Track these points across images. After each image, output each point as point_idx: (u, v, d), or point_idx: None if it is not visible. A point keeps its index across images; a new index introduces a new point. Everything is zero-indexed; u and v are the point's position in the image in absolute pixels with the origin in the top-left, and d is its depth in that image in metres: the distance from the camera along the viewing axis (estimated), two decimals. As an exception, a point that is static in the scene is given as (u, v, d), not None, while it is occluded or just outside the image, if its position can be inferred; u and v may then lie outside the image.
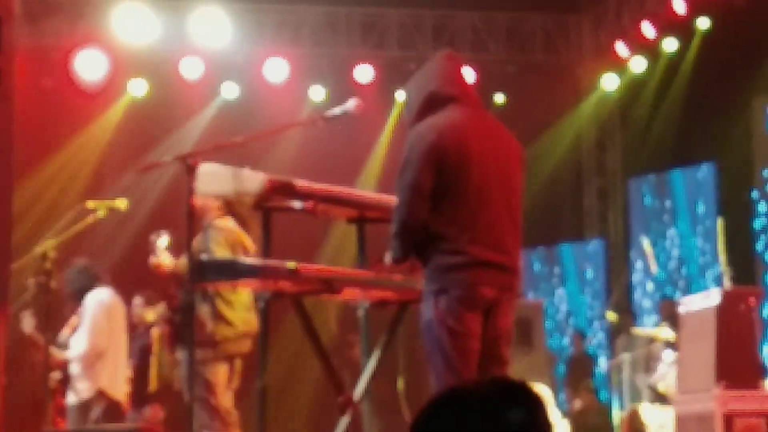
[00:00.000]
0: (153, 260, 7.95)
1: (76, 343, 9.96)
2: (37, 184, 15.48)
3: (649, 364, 12.51)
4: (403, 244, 5.62)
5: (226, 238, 7.70)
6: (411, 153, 5.60)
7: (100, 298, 10.00)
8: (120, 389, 10.09)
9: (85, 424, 9.77)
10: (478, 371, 5.59)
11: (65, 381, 10.03)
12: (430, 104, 5.71)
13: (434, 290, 5.58)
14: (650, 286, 16.77)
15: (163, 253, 7.95)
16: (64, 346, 10.08)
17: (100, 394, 9.88)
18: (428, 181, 5.54)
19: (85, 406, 9.85)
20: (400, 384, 6.74)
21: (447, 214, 5.55)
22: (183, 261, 7.76)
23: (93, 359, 9.86)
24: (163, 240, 7.87)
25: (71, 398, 9.91)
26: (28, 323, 10.16)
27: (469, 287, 5.54)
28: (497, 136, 5.82)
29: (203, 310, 7.72)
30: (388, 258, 5.74)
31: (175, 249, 7.99)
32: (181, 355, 8.19)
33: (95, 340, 9.84)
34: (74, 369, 9.91)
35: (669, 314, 12.60)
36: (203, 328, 7.69)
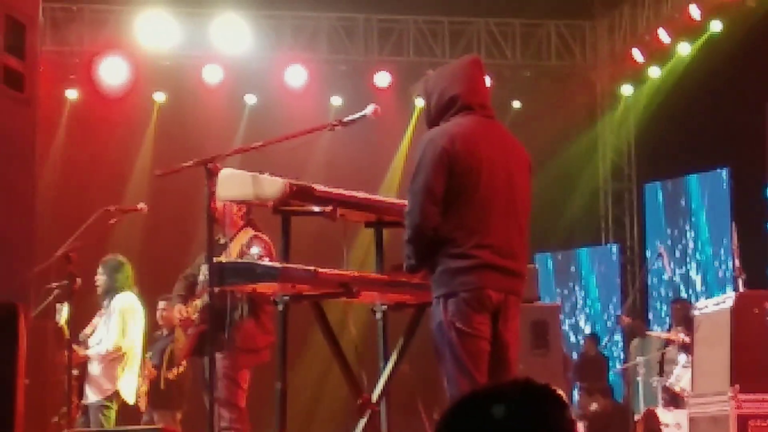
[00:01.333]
0: (176, 319, 8.13)
1: (98, 341, 10.11)
2: (61, 188, 15.61)
3: (663, 366, 12.56)
4: (417, 249, 5.70)
5: (270, 252, 7.81)
6: (423, 158, 5.69)
7: (130, 301, 10.17)
8: (133, 393, 10.24)
9: (102, 425, 9.91)
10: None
11: (82, 379, 10.16)
12: (449, 107, 5.83)
13: (443, 294, 5.67)
14: (665, 290, 16.82)
15: (178, 310, 8.17)
16: (84, 344, 10.22)
17: (117, 395, 10.04)
18: (440, 185, 5.63)
19: (103, 406, 9.99)
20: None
21: (455, 219, 5.64)
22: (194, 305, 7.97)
23: (113, 360, 10.02)
24: (162, 303, 7.97)
25: (91, 397, 10.04)
26: (63, 315, 10.30)
27: (477, 289, 5.63)
28: (506, 145, 5.93)
29: (250, 319, 7.81)
30: (405, 266, 5.83)
31: (194, 253, 8.10)
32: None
33: (119, 342, 10.01)
34: (95, 368, 10.06)
35: (682, 316, 12.67)
36: (250, 336, 7.79)
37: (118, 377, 10.07)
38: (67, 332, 9.67)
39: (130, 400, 10.22)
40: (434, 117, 5.89)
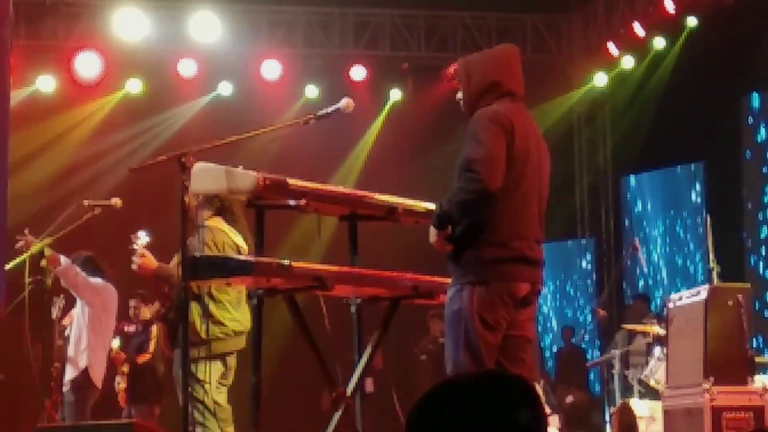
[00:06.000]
0: (136, 261, 7.97)
1: (77, 332, 10.19)
2: (34, 182, 15.56)
3: (637, 359, 12.61)
4: (468, 213, 5.63)
5: (214, 238, 7.74)
6: (486, 130, 5.67)
7: (97, 288, 10.22)
8: (101, 376, 10.28)
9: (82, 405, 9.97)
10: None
11: (62, 373, 10.21)
12: (491, 91, 5.87)
13: (470, 281, 5.67)
14: (640, 283, 16.88)
15: (145, 253, 7.98)
16: (63, 336, 10.27)
17: (87, 375, 10.11)
18: (503, 152, 5.63)
19: (80, 384, 10.05)
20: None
21: (498, 206, 5.65)
22: (172, 263, 7.86)
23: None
24: (142, 239, 7.90)
25: (69, 374, 10.09)
26: (55, 310, 10.35)
27: (509, 282, 5.68)
28: (539, 136, 6.01)
29: (193, 310, 7.76)
30: (432, 231, 5.77)
31: (168, 248, 8.06)
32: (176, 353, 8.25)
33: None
34: (71, 350, 10.14)
35: (639, 312, 12.79)
36: (193, 327, 7.74)
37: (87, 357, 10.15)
38: (59, 327, 9.75)
39: (98, 382, 10.24)
40: (474, 99, 5.91)
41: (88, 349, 10.13)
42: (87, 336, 10.12)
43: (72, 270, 9.92)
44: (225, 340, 7.78)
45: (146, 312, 12.21)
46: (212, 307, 7.75)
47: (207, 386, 7.75)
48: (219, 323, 7.75)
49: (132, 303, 12.25)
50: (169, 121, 16.65)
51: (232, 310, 7.85)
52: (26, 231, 9.42)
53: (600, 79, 17.56)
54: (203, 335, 7.66)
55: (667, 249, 16.78)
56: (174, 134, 16.47)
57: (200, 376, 7.74)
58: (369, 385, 14.50)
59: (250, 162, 6.15)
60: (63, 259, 9.89)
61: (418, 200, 6.71)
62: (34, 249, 9.23)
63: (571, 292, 18.32)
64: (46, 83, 16.24)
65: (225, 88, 16.98)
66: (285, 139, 15.73)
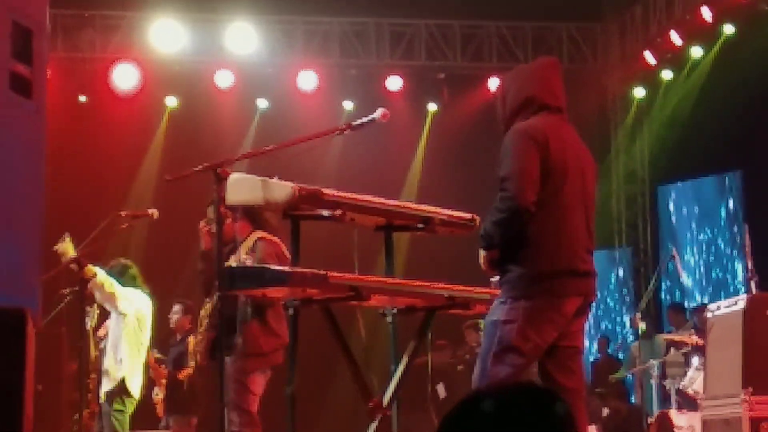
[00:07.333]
0: (58, 247, 8.02)
1: (112, 343, 10.23)
2: (72, 194, 15.65)
3: (674, 370, 12.54)
4: (505, 232, 5.62)
5: (276, 251, 7.77)
6: (515, 146, 5.65)
7: (138, 300, 10.24)
8: (138, 388, 10.30)
9: (115, 429, 9.97)
10: (545, 380, 5.72)
11: (98, 384, 10.25)
12: (526, 106, 5.84)
13: (516, 296, 5.63)
14: (678, 293, 16.79)
15: (68, 243, 8.05)
16: (98, 347, 10.29)
17: (126, 391, 10.12)
18: (536, 169, 5.59)
19: (117, 410, 10.05)
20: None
21: (539, 220, 5.62)
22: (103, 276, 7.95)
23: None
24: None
25: (105, 386, 10.12)
26: (90, 321, 10.40)
27: (557, 297, 5.64)
28: (581, 149, 5.96)
29: (254, 322, 7.79)
30: (483, 243, 5.76)
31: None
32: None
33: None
34: (107, 362, 10.17)
35: (677, 320, 12.70)
36: (254, 339, 7.76)
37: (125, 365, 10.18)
38: (92, 337, 9.79)
39: (136, 394, 10.25)
40: (509, 116, 5.89)
41: (124, 359, 10.16)
42: (122, 347, 10.15)
43: (107, 281, 9.96)
44: (280, 352, 7.79)
45: (185, 322, 12.24)
46: (271, 319, 7.78)
47: (254, 398, 7.78)
48: (277, 335, 7.78)
49: (175, 308, 12.27)
50: (207, 134, 16.71)
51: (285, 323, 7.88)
52: (66, 236, 9.42)
53: (637, 88, 17.49)
54: (265, 348, 7.70)
55: (705, 258, 16.68)
56: (208, 145, 16.53)
57: (251, 387, 7.77)
58: (441, 391, 14.51)
59: (285, 174, 6.14)
60: (98, 271, 9.94)
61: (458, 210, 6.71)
62: (67, 251, 9.22)
63: (609, 302, 18.24)
64: (83, 95, 16.33)
65: (262, 102, 17.06)
66: (322, 154, 15.78)
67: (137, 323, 10.24)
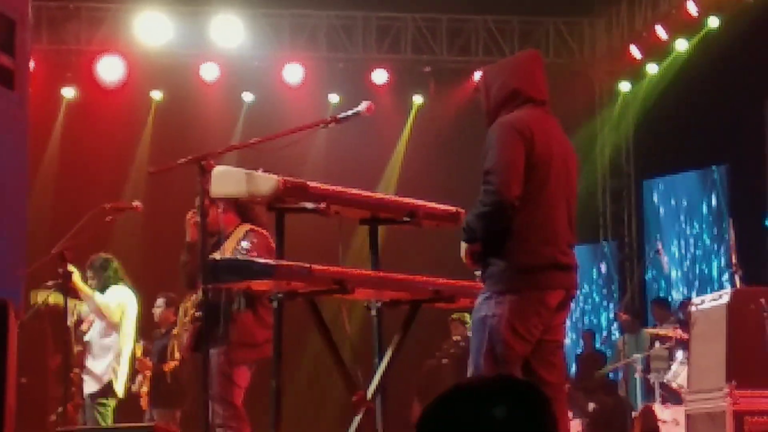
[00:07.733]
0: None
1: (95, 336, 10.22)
2: (57, 186, 15.62)
3: (658, 363, 12.56)
4: (488, 226, 5.62)
5: (266, 244, 7.74)
6: (500, 138, 5.66)
7: (120, 294, 10.21)
8: (123, 384, 10.27)
9: (98, 422, 9.96)
10: (526, 374, 5.70)
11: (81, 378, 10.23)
12: (512, 99, 5.84)
13: (501, 290, 5.64)
14: (663, 286, 16.82)
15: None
16: (81, 341, 10.28)
17: (111, 388, 10.10)
18: (521, 162, 5.60)
19: (99, 403, 10.04)
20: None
21: (524, 213, 5.62)
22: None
23: (107, 351, 10.13)
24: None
25: (90, 386, 10.08)
26: (71, 317, 10.38)
27: (542, 290, 5.65)
28: (564, 142, 5.98)
29: (248, 313, 7.75)
30: (464, 237, 5.76)
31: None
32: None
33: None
34: (91, 362, 10.13)
35: (660, 315, 12.72)
36: (248, 329, 7.71)
37: (113, 368, 10.13)
38: (75, 331, 9.77)
39: (121, 394, 10.24)
40: (493, 108, 5.89)
41: (110, 358, 10.13)
42: (107, 342, 10.13)
43: (93, 301, 10.00)
44: (271, 344, 7.76)
45: (169, 315, 12.20)
46: (262, 310, 7.74)
47: (239, 390, 7.74)
48: (269, 327, 7.75)
49: (158, 302, 12.22)
50: (192, 127, 16.67)
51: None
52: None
53: (623, 83, 17.51)
54: (258, 338, 7.65)
55: (689, 252, 16.70)
56: (195, 138, 16.50)
57: (236, 380, 7.73)
58: None
59: (271, 167, 6.12)
60: (91, 293, 9.99)
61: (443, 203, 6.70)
62: (55, 251, 9.21)
63: (595, 297, 18.26)
64: (67, 87, 16.29)
65: (247, 95, 17.03)
66: (308, 147, 15.75)
67: (122, 319, 10.23)
